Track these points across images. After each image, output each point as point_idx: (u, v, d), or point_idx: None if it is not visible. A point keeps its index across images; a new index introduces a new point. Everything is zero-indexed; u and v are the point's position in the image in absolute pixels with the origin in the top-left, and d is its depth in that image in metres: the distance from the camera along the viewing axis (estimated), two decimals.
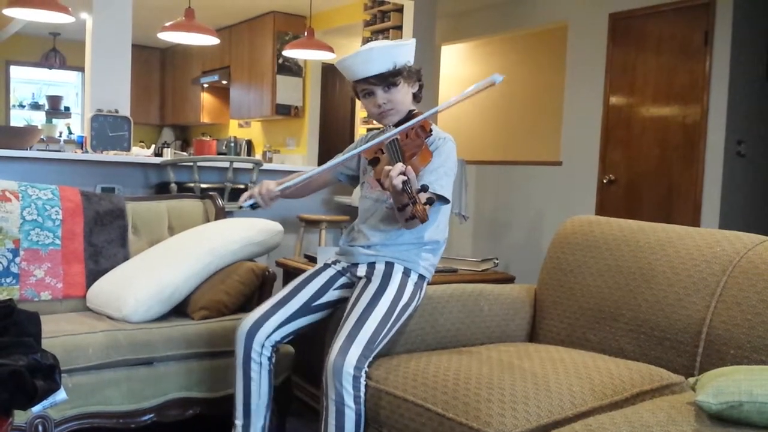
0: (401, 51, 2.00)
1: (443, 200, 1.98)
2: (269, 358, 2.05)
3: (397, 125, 2.02)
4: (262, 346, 2.03)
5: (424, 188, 1.71)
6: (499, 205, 5.96)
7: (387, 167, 1.74)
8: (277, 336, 2.05)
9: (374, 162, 1.99)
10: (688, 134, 4.67)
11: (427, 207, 1.71)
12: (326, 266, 2.18)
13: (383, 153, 1.95)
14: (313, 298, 2.10)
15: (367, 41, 4.35)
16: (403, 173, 1.70)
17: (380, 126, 2.16)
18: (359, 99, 2.10)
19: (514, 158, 6.29)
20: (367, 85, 2.01)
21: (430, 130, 1.99)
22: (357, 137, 3.82)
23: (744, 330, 1.80)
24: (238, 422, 2.07)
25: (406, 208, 1.73)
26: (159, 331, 2.31)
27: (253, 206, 2.02)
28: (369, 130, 5.58)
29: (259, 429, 2.07)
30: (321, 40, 5.80)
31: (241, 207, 2.04)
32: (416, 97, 2.09)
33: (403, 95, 2.03)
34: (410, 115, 2.06)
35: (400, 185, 1.69)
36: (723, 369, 1.51)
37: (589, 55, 5.26)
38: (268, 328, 2.03)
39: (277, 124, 8.20)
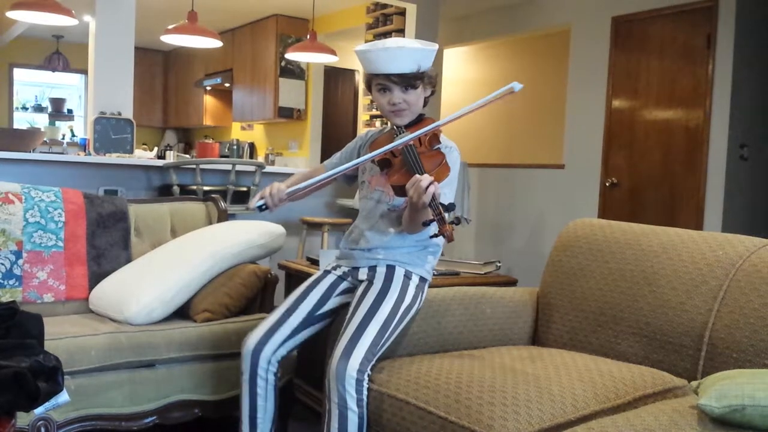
0: (427, 55, 1.98)
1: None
2: (275, 374, 2.05)
3: (407, 127, 2.01)
4: (269, 362, 2.02)
5: (451, 207, 1.70)
6: (501, 209, 5.96)
7: (417, 177, 1.72)
8: (283, 351, 2.05)
9: (384, 164, 1.95)
10: (690, 137, 4.67)
11: (454, 227, 1.69)
12: (326, 273, 2.16)
13: (395, 156, 1.93)
14: (316, 308, 2.09)
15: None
16: (430, 185, 1.69)
17: (378, 125, 2.14)
18: (370, 91, 2.06)
19: (516, 161, 6.28)
20: (387, 81, 1.97)
21: (439, 138, 2.00)
22: None
23: (747, 333, 1.80)
24: None
25: (431, 224, 1.72)
26: (161, 333, 2.31)
27: (261, 208, 1.98)
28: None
29: None
30: (323, 43, 5.81)
31: (247, 209, 2.03)
32: (425, 102, 2.09)
33: (418, 98, 2.01)
34: (420, 118, 2.05)
35: (429, 199, 1.69)
36: (726, 372, 1.51)
37: (592, 59, 5.27)
38: (273, 344, 2.02)
39: (280, 126, 8.21)
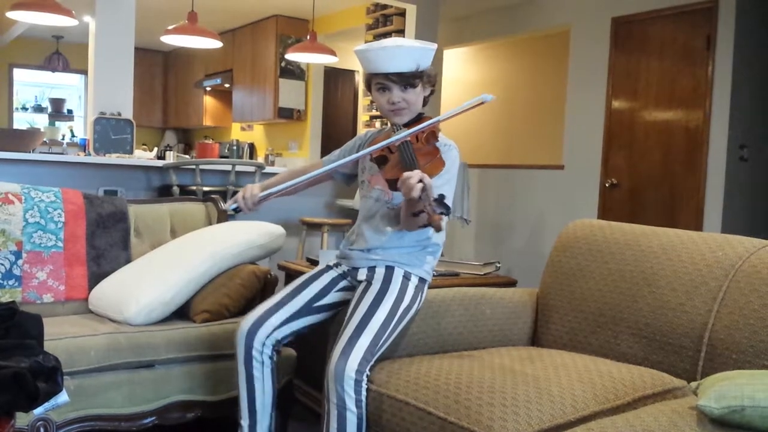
0: (426, 54, 1.98)
1: None
2: (270, 357, 2.05)
3: (406, 125, 2.02)
4: (263, 344, 2.02)
5: (441, 197, 1.71)
6: (501, 209, 5.96)
7: (408, 173, 1.72)
8: (278, 335, 2.05)
9: (381, 160, 1.96)
10: (690, 138, 4.67)
11: (443, 217, 1.70)
12: (328, 268, 2.17)
13: (392, 152, 1.94)
14: (315, 299, 2.10)
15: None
16: (421, 180, 1.70)
17: (378, 126, 2.15)
18: (369, 90, 2.07)
19: (516, 162, 6.29)
20: (386, 80, 1.98)
21: (437, 136, 2.00)
22: None
23: (746, 334, 1.80)
24: (244, 422, 2.06)
25: (421, 215, 1.73)
26: (161, 333, 2.31)
27: (236, 210, 2.01)
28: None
29: (266, 428, 2.06)
30: (323, 44, 5.81)
31: (224, 210, 2.03)
32: (425, 101, 2.09)
33: (417, 97, 2.02)
34: (419, 117, 2.05)
35: (419, 193, 1.69)
36: (725, 373, 1.51)
37: (592, 59, 5.27)
38: (268, 327, 2.03)
39: (280, 127, 8.21)
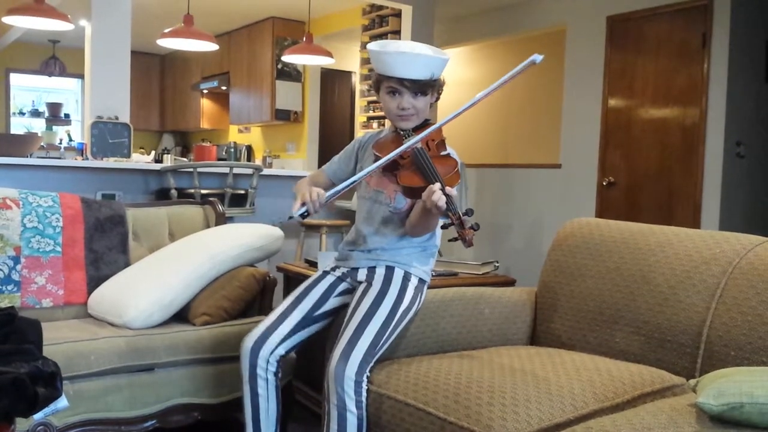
0: (441, 64, 1.98)
1: None
2: (275, 374, 2.04)
3: (414, 130, 2.01)
4: (267, 361, 2.01)
5: (469, 212, 1.71)
6: (499, 209, 5.96)
7: (432, 186, 1.72)
8: (282, 350, 2.04)
9: (392, 166, 1.93)
10: (687, 136, 4.68)
11: (473, 232, 1.70)
12: (325, 273, 2.17)
13: (403, 158, 1.92)
14: (314, 308, 2.09)
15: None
16: (446, 193, 1.70)
17: (375, 128, 2.13)
18: (377, 92, 2.06)
19: (513, 161, 6.29)
20: (399, 85, 1.97)
21: (445, 144, 2.00)
22: None
23: (744, 331, 1.80)
24: None
25: (449, 227, 1.73)
26: (160, 337, 2.31)
27: (304, 215, 1.89)
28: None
29: None
30: (320, 46, 5.81)
31: (290, 218, 1.94)
32: (430, 107, 2.10)
33: (425, 104, 2.03)
34: (425, 123, 2.05)
35: (444, 205, 1.69)
36: (724, 370, 1.51)
37: (588, 58, 5.28)
38: (271, 343, 2.02)
39: (277, 129, 8.21)
